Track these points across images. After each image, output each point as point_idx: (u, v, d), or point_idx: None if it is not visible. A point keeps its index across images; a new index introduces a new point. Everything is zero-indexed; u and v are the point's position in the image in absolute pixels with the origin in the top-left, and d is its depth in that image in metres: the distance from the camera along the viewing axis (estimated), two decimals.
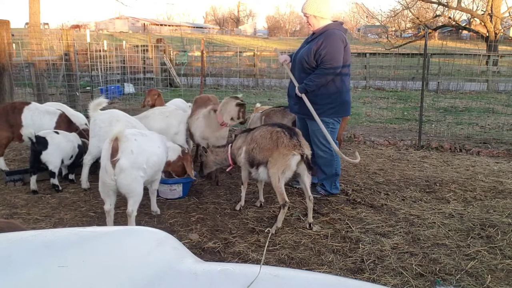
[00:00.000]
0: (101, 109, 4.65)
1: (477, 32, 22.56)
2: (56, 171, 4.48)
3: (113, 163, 3.21)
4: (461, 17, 24.82)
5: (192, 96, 11.02)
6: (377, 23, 27.03)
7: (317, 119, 4.20)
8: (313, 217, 3.92)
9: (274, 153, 3.58)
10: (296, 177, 3.81)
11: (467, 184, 4.88)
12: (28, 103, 5.06)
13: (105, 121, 4.51)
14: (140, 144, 3.41)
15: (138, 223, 3.78)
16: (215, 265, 1.38)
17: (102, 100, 4.58)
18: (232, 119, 4.53)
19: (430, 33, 18.97)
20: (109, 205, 3.43)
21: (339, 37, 4.09)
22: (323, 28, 4.19)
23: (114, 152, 3.20)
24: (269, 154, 3.62)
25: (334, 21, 4.30)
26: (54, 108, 5.20)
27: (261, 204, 4.20)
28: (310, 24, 4.30)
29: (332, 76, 4.12)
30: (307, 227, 3.70)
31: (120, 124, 4.55)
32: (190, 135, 5.01)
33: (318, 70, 4.14)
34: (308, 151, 3.62)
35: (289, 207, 4.10)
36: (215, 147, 4.42)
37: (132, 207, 3.42)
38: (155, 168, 3.67)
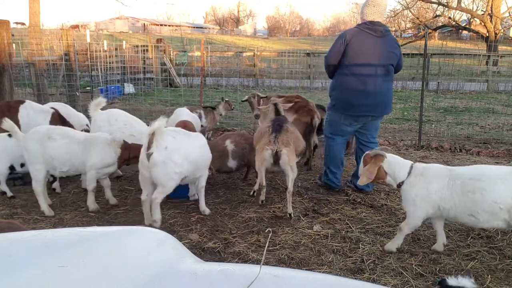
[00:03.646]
0: (101, 109, 4.67)
1: (477, 32, 22.58)
2: (1, 178, 4.30)
3: (148, 156, 3.33)
4: (461, 17, 24.86)
5: (192, 96, 11.04)
6: None
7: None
8: (313, 217, 3.94)
9: (258, 146, 4.06)
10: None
11: None
12: (23, 102, 5.04)
13: (104, 120, 4.54)
14: (178, 141, 3.51)
15: (138, 223, 3.78)
16: (215, 265, 1.38)
17: (101, 100, 4.62)
18: None
19: (430, 33, 18.98)
20: (145, 195, 3.58)
21: (342, 34, 4.31)
22: None
23: (149, 145, 3.33)
24: (257, 145, 4.15)
25: (364, 21, 4.31)
26: (48, 107, 5.18)
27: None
28: None
29: (326, 69, 4.52)
30: (288, 217, 3.92)
31: (118, 124, 4.58)
32: None
33: None
34: (283, 147, 3.87)
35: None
36: None
37: (158, 194, 3.52)
38: (196, 165, 3.72)
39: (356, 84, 4.27)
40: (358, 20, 4.72)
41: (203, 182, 3.93)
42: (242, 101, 6.76)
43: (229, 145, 4.53)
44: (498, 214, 2.85)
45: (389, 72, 4.36)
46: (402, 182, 3.15)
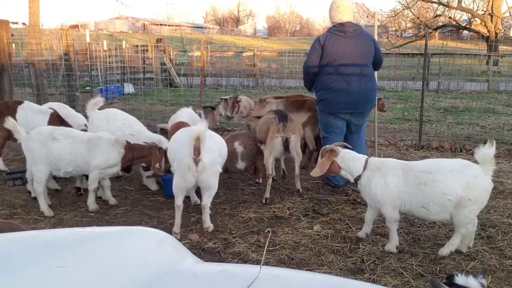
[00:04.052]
0: (99, 109, 4.66)
1: (477, 32, 22.57)
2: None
3: (196, 162, 3.29)
4: (462, 17, 24.82)
5: (192, 96, 11.03)
6: (378, 23, 27.04)
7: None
8: (313, 217, 3.95)
9: (267, 137, 4.40)
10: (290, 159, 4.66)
11: None
12: (21, 102, 5.04)
13: (103, 119, 4.53)
14: (213, 140, 3.56)
15: (138, 223, 3.79)
16: (215, 265, 1.38)
17: (99, 99, 4.62)
18: None
19: (430, 33, 18.95)
20: (181, 201, 3.50)
21: (317, 38, 4.55)
22: None
23: (196, 151, 3.27)
24: (265, 136, 4.45)
25: (335, 24, 4.49)
26: (47, 107, 5.18)
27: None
28: None
29: (304, 72, 4.68)
30: (296, 192, 4.49)
31: (117, 123, 4.57)
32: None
33: None
34: (291, 134, 4.30)
35: (288, 207, 4.13)
36: None
37: (208, 200, 3.55)
38: (225, 159, 3.77)
39: (332, 84, 4.47)
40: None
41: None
42: (221, 98, 6.73)
43: (238, 147, 4.58)
44: (446, 207, 2.97)
45: (366, 70, 4.52)
46: (359, 176, 3.26)
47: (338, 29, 4.41)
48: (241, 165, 4.60)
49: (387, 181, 3.11)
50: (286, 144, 4.26)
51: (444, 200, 2.95)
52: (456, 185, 2.91)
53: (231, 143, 4.62)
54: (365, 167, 3.23)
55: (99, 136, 3.99)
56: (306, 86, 4.87)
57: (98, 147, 3.89)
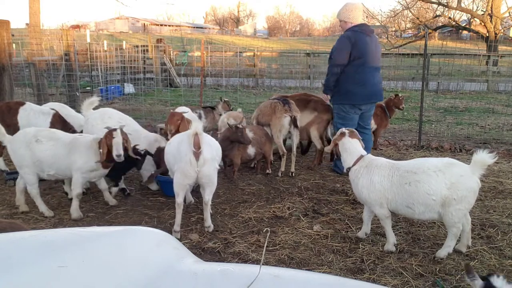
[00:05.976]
0: (94, 108, 4.67)
1: (477, 32, 22.55)
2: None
3: (197, 156, 3.31)
4: (461, 17, 24.80)
5: (192, 96, 11.04)
6: (377, 23, 26.98)
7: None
8: (313, 217, 3.94)
9: (273, 118, 5.03)
10: (289, 136, 5.26)
11: None
12: (22, 103, 5.04)
13: (98, 119, 4.53)
14: (210, 138, 3.68)
15: (138, 223, 3.79)
16: (215, 265, 1.38)
17: (95, 99, 4.63)
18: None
19: (430, 33, 18.98)
20: (181, 199, 3.52)
21: (345, 36, 4.90)
22: (345, 31, 5.00)
23: (197, 145, 3.29)
24: (269, 119, 5.07)
25: (357, 24, 4.96)
26: (48, 108, 5.18)
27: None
28: (341, 28, 5.16)
29: (333, 68, 4.93)
30: (290, 175, 5.04)
31: (112, 121, 4.56)
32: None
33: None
34: (296, 113, 4.98)
35: (288, 207, 4.13)
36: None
37: (209, 196, 3.57)
38: (219, 160, 3.84)
39: (360, 77, 4.89)
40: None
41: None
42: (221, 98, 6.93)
43: (249, 133, 4.81)
44: (432, 206, 2.98)
45: (379, 64, 5.13)
46: (349, 169, 3.30)
47: (362, 28, 4.92)
48: (251, 150, 4.84)
49: (373, 180, 3.14)
50: (294, 121, 4.92)
51: (428, 200, 2.95)
52: (440, 185, 2.91)
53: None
54: (355, 163, 3.26)
55: (78, 138, 3.85)
56: (329, 84, 5.04)
57: (76, 149, 3.73)
